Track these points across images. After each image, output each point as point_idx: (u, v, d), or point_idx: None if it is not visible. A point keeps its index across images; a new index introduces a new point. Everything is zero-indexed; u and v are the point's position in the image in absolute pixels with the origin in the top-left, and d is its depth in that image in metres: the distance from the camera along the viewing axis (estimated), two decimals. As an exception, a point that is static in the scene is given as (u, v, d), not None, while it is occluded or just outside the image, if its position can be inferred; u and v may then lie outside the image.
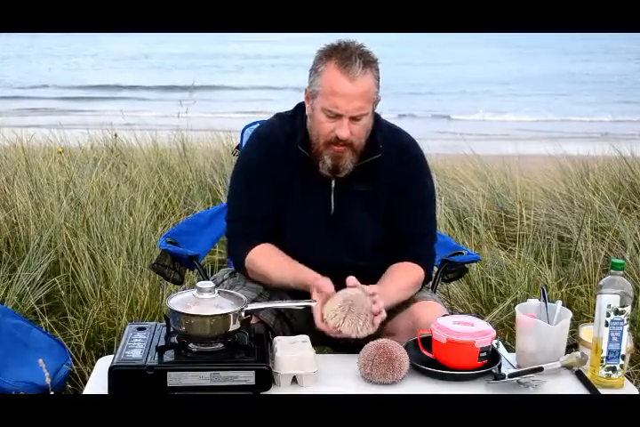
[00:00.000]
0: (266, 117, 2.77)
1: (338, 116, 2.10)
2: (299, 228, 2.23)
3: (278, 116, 2.34)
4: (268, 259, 2.21)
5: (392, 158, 2.23)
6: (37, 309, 3.12)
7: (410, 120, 12.85)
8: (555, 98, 17.52)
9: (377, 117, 2.25)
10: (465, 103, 16.47)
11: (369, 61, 2.10)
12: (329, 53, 2.11)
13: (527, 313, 1.97)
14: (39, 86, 18.61)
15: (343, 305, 1.97)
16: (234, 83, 19.20)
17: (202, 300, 1.88)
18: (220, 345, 1.87)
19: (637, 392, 1.91)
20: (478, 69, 22.21)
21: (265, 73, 21.77)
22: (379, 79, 2.13)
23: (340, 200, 2.23)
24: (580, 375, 1.91)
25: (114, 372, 1.77)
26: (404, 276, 2.22)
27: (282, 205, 2.23)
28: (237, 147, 2.73)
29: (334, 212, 2.23)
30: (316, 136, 2.16)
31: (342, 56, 2.08)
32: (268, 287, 2.27)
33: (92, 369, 1.98)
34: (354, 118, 2.10)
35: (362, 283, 2.12)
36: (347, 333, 1.96)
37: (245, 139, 2.69)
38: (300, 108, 2.28)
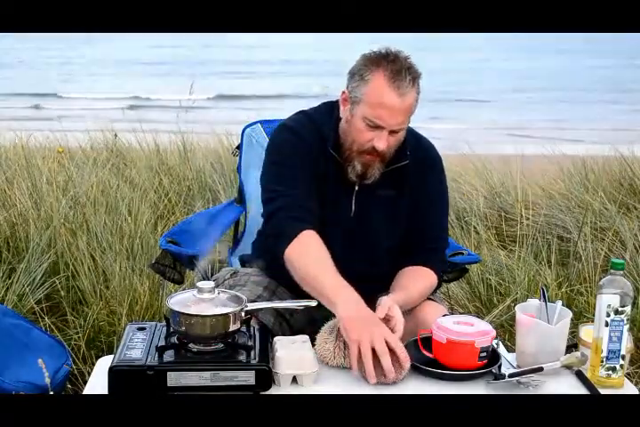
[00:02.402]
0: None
1: (378, 128, 2.08)
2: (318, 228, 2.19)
3: (303, 113, 2.29)
4: (308, 269, 2.05)
5: (416, 164, 2.23)
6: (37, 309, 3.12)
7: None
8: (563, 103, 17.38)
9: None
10: (466, 110, 16.39)
11: (415, 77, 2.08)
12: (377, 62, 2.07)
13: (527, 313, 1.97)
14: (37, 94, 18.38)
15: (337, 341, 1.93)
16: (232, 88, 19.05)
17: (202, 300, 1.88)
18: (220, 345, 1.87)
19: (637, 392, 1.91)
20: (480, 74, 22.12)
21: (264, 79, 21.59)
22: (419, 93, 2.11)
23: (361, 202, 2.22)
24: (579, 375, 1.91)
25: (114, 372, 1.77)
26: (421, 280, 2.19)
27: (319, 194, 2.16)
28: (237, 147, 2.73)
29: (354, 214, 2.23)
30: (351, 142, 2.14)
31: (393, 69, 2.04)
32: (269, 288, 2.27)
33: (91, 369, 1.97)
34: (393, 131, 2.09)
35: (372, 290, 2.09)
36: (342, 365, 1.94)
37: (246, 139, 2.69)
38: (327, 107, 2.26)
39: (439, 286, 2.34)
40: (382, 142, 2.09)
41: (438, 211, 2.31)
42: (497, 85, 19.74)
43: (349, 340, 1.88)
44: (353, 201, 2.23)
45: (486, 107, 16.89)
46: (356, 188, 2.22)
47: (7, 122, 8.24)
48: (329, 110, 2.24)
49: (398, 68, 2.05)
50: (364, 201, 2.23)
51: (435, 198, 2.29)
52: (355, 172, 2.16)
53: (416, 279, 2.18)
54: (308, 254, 2.07)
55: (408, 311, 2.20)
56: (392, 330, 1.95)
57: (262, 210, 2.23)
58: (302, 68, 22.66)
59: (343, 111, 2.18)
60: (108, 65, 24.15)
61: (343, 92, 2.17)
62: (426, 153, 2.31)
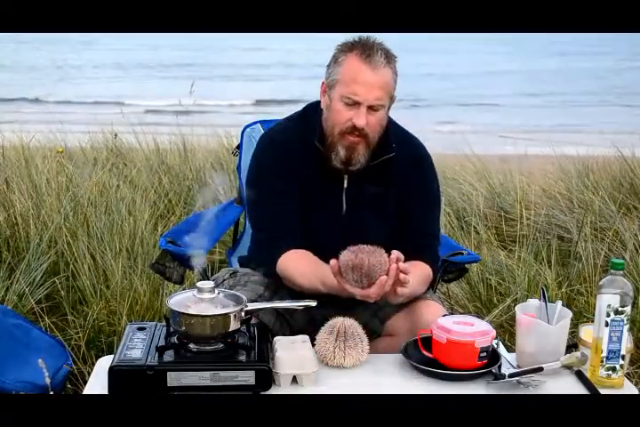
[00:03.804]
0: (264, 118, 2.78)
1: (356, 105, 2.11)
2: (310, 228, 2.22)
3: (287, 118, 2.35)
4: (295, 265, 2.17)
5: (403, 159, 2.25)
6: (37, 309, 3.12)
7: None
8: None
9: (388, 118, 2.25)
10: (472, 114, 16.27)
11: (390, 55, 2.14)
12: (350, 47, 2.14)
13: (527, 313, 1.97)
14: (32, 99, 18.07)
15: (337, 341, 1.93)
16: (227, 94, 18.80)
17: (202, 300, 1.88)
18: (220, 345, 1.87)
19: (637, 392, 1.91)
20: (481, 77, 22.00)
21: (260, 84, 21.33)
22: (397, 75, 2.16)
23: (351, 200, 2.24)
24: (580, 375, 1.91)
25: (114, 372, 1.77)
26: (419, 270, 2.19)
27: (299, 206, 2.22)
28: (237, 147, 2.73)
29: (345, 212, 2.24)
30: (332, 126, 2.17)
31: (365, 47, 2.12)
32: (269, 288, 2.27)
33: (91, 369, 1.98)
34: (371, 108, 2.11)
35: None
36: (342, 365, 1.94)
37: (246, 139, 2.70)
38: (311, 108, 2.29)
39: (435, 282, 2.34)
40: (361, 119, 2.11)
41: (428, 208, 2.32)
42: (501, 89, 19.64)
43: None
44: (343, 199, 2.24)
45: (491, 110, 16.81)
46: (345, 185, 2.22)
47: (8, 123, 8.24)
48: (314, 108, 2.27)
49: (370, 47, 2.12)
50: (354, 199, 2.24)
51: (424, 196, 2.30)
52: (339, 157, 2.17)
53: (415, 269, 2.16)
54: (296, 274, 2.16)
55: (407, 311, 2.20)
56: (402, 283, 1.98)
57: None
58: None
59: (323, 101, 2.21)
60: (108, 68, 24.01)
61: (322, 83, 2.21)
62: (414, 151, 2.32)
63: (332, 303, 2.09)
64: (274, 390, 1.81)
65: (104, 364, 1.87)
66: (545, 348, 1.92)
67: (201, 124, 6.49)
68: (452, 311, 2.61)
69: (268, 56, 26.72)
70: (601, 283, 1.87)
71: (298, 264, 2.17)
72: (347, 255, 1.93)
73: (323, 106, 2.22)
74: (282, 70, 23.63)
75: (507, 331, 3.05)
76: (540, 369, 1.88)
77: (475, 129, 13.47)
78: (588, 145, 5.53)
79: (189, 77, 7.43)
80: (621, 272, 1.86)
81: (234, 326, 1.87)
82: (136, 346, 1.86)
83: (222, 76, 22.21)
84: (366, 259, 1.92)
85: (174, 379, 1.77)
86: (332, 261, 1.95)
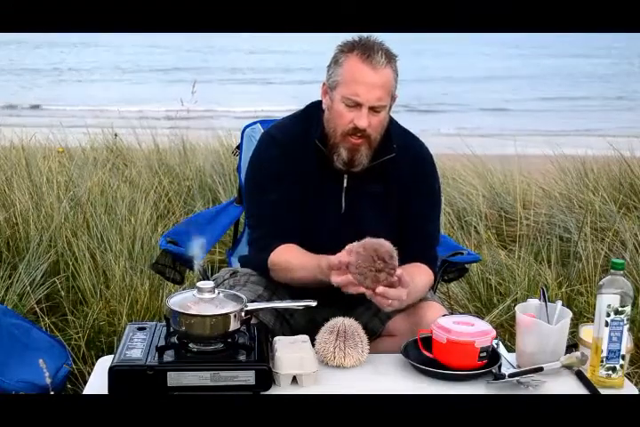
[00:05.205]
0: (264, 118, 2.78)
1: (357, 106, 2.10)
2: (308, 227, 2.22)
3: (289, 117, 2.35)
4: (289, 256, 2.17)
5: (405, 160, 2.24)
6: (37, 309, 3.12)
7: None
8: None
9: (390, 118, 2.25)
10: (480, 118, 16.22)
11: (391, 55, 2.13)
12: (351, 46, 2.13)
13: (527, 313, 1.97)
14: (31, 100, 17.89)
15: (337, 341, 1.93)
16: (224, 98, 18.65)
17: (202, 300, 1.88)
18: (220, 345, 1.87)
19: (637, 392, 1.91)
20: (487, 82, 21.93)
21: (257, 88, 21.18)
22: (397, 75, 2.16)
23: (350, 200, 2.24)
24: (580, 375, 1.91)
25: (114, 372, 1.77)
26: (421, 275, 2.19)
27: (298, 205, 2.22)
28: (237, 147, 2.73)
29: (345, 211, 2.24)
30: (334, 128, 2.16)
31: (365, 47, 2.11)
32: (269, 288, 2.27)
33: (91, 369, 1.98)
34: (373, 109, 2.11)
35: None
36: (342, 365, 1.94)
37: (246, 139, 2.69)
38: (313, 107, 2.29)
39: (436, 283, 2.35)
40: (363, 120, 2.10)
41: (429, 209, 2.32)
42: (503, 93, 19.60)
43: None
44: (342, 199, 2.23)
45: (493, 114, 16.79)
46: (345, 184, 2.22)
47: (7, 121, 8.21)
48: (316, 107, 2.27)
49: (370, 46, 2.11)
50: (354, 199, 2.24)
51: (425, 196, 2.30)
52: (341, 159, 2.17)
53: (414, 274, 2.17)
54: (291, 261, 2.16)
55: (408, 311, 2.20)
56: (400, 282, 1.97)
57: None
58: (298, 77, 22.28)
59: (325, 102, 2.21)
60: (106, 71, 23.86)
61: (323, 84, 2.21)
62: (416, 151, 2.32)
63: (333, 303, 2.09)
64: (274, 390, 1.81)
65: (104, 364, 1.87)
66: (545, 348, 1.92)
67: (202, 127, 6.50)
68: (451, 311, 2.61)
69: (268, 58, 26.68)
70: (601, 283, 1.87)
71: (292, 255, 2.17)
72: (372, 242, 1.93)
73: (324, 107, 2.22)
74: (282, 73, 23.58)
75: (507, 331, 3.05)
76: (540, 369, 1.88)
77: (477, 132, 13.44)
78: (589, 147, 5.52)
79: (189, 80, 7.42)
80: (621, 272, 1.86)
81: (234, 326, 1.87)
82: (136, 346, 1.86)
83: (222, 78, 22.14)
84: (368, 261, 1.91)
85: (174, 379, 1.77)
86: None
